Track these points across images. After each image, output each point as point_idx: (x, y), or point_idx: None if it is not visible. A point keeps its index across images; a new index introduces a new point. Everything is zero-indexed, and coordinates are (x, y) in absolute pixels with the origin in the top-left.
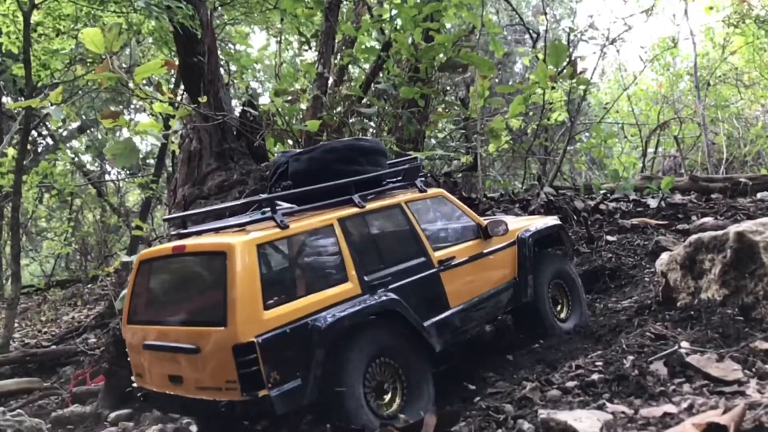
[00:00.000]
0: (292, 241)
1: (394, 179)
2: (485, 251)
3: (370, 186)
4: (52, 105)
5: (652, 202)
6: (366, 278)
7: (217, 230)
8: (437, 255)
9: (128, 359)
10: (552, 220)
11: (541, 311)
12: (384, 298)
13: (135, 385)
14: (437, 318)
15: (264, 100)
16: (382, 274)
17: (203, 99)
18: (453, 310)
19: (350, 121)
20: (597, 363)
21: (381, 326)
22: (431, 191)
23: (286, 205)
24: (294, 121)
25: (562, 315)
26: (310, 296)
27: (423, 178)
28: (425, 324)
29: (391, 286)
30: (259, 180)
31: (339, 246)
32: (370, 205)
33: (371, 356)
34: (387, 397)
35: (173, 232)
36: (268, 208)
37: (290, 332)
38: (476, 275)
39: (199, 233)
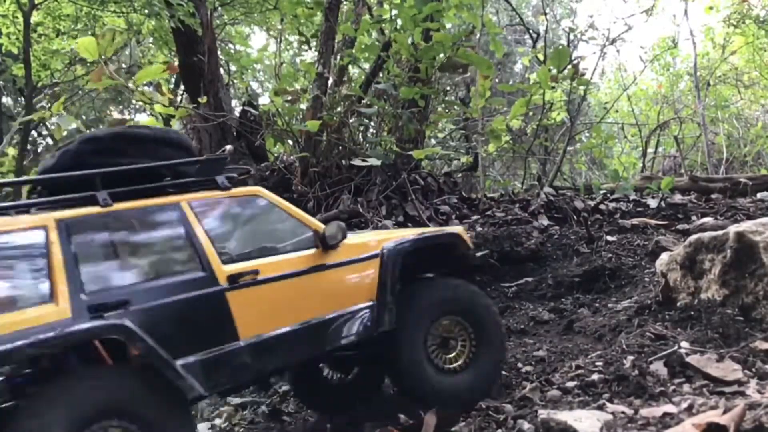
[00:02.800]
0: None
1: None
2: (321, 264)
3: (139, 181)
4: (53, 115)
5: (652, 202)
6: (85, 297)
7: None
8: (227, 269)
9: None
10: (452, 229)
11: (404, 357)
12: (103, 323)
13: None
14: (210, 352)
15: (264, 100)
16: (119, 292)
17: (203, 99)
18: (243, 342)
19: (350, 121)
20: (597, 363)
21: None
22: (241, 189)
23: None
24: (294, 121)
25: (455, 364)
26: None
27: (233, 175)
28: (182, 362)
29: (132, 308)
30: (259, 180)
31: (48, 255)
32: (121, 205)
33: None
34: None
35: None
36: None
37: None
38: (298, 295)
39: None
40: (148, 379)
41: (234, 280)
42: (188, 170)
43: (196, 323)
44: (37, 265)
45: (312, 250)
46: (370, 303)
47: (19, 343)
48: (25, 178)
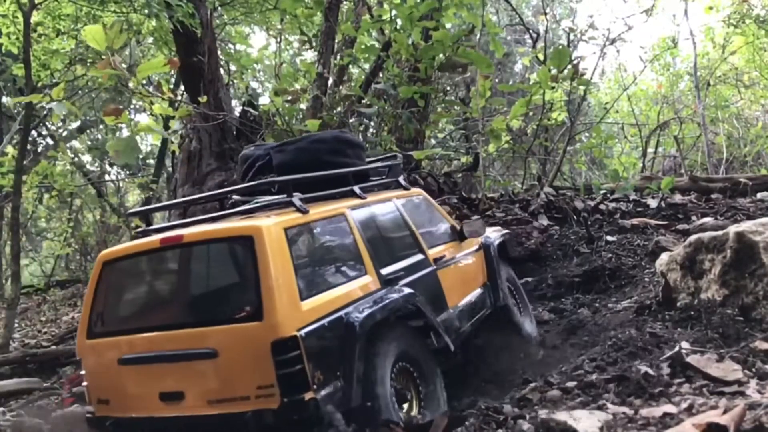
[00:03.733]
0: (315, 226)
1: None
2: (464, 252)
3: (359, 180)
4: (53, 101)
5: (652, 202)
6: (382, 272)
7: (212, 219)
8: (431, 253)
9: (84, 384)
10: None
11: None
12: (405, 292)
13: (95, 414)
14: (439, 315)
15: (264, 100)
16: (394, 268)
17: (203, 99)
18: (452, 310)
19: (350, 121)
20: (597, 363)
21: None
22: (414, 189)
23: (266, 197)
24: (294, 121)
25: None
26: (337, 289)
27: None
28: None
29: (402, 282)
30: None
31: (354, 237)
32: (369, 198)
33: (396, 357)
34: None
35: (139, 230)
36: (280, 195)
37: (328, 326)
38: (462, 276)
39: (174, 227)
40: (421, 335)
41: (437, 261)
42: (382, 172)
43: (429, 293)
44: (349, 244)
45: (456, 241)
46: (485, 284)
47: (378, 306)
48: (291, 177)
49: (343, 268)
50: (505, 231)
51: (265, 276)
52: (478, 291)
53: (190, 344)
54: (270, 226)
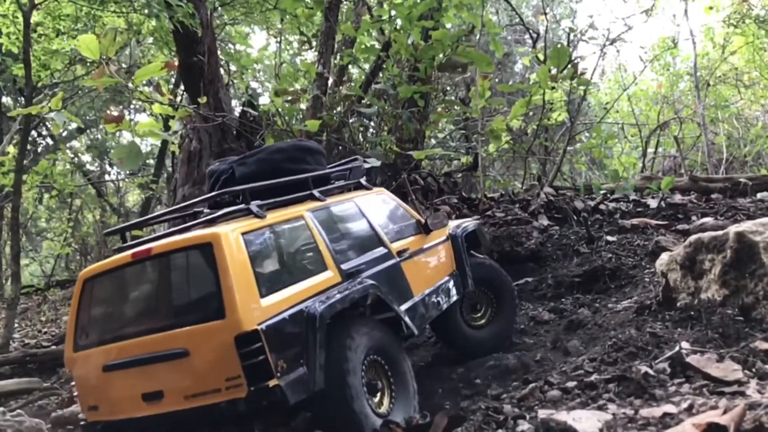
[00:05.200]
0: (271, 230)
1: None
2: (429, 244)
3: (320, 184)
4: (51, 111)
5: (652, 203)
6: (343, 267)
7: (180, 231)
8: (394, 246)
9: (74, 395)
10: (476, 221)
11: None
12: (365, 283)
13: (86, 421)
14: (404, 304)
15: (264, 100)
16: (356, 262)
17: (203, 99)
18: (417, 298)
19: (350, 121)
20: (597, 363)
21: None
22: (376, 189)
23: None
24: (294, 121)
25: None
26: (297, 284)
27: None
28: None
29: (364, 274)
30: None
31: (313, 236)
32: (331, 200)
33: (367, 350)
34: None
35: (116, 248)
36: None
37: (289, 318)
38: (426, 267)
39: (143, 242)
40: (387, 324)
41: (400, 254)
42: (344, 175)
43: (392, 284)
44: (309, 243)
45: (420, 235)
46: (453, 273)
47: (337, 297)
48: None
49: (304, 266)
50: (476, 220)
51: (225, 278)
52: (446, 278)
53: (164, 346)
54: (227, 233)
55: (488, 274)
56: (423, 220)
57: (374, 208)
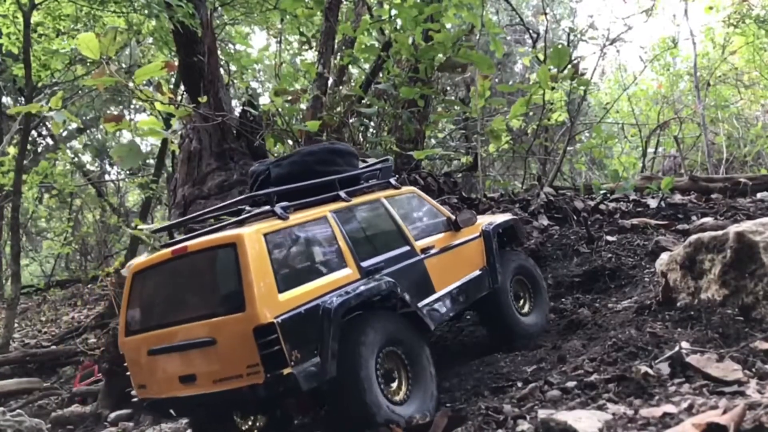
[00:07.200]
0: (293, 230)
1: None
2: (458, 241)
3: (350, 185)
4: (51, 110)
5: (652, 202)
6: (363, 265)
7: (212, 231)
8: (419, 244)
9: (127, 374)
10: (511, 217)
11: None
12: (382, 280)
13: (136, 398)
14: (424, 300)
15: (264, 100)
16: (376, 260)
17: (203, 99)
18: (439, 294)
19: (350, 121)
20: (597, 363)
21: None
22: (405, 188)
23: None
24: (294, 121)
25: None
26: (316, 281)
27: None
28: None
29: (384, 272)
30: None
31: (334, 235)
32: (357, 200)
33: (383, 342)
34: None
35: (162, 244)
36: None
37: (305, 313)
38: (453, 263)
39: (183, 240)
40: (407, 318)
41: (425, 251)
42: (374, 175)
43: (412, 280)
44: (330, 242)
45: (449, 232)
46: (483, 268)
47: (353, 293)
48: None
49: (324, 263)
50: (511, 216)
51: (246, 274)
52: (476, 274)
53: (195, 335)
54: (250, 234)
55: (525, 266)
56: (453, 218)
57: (401, 207)
